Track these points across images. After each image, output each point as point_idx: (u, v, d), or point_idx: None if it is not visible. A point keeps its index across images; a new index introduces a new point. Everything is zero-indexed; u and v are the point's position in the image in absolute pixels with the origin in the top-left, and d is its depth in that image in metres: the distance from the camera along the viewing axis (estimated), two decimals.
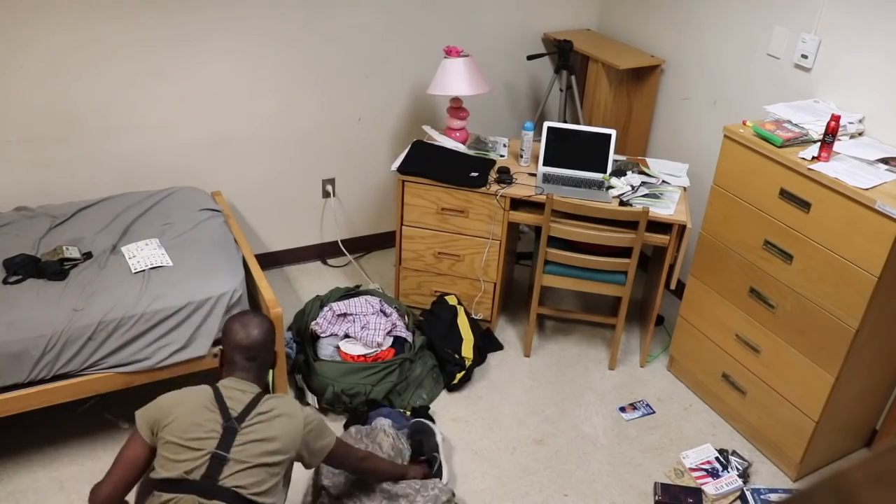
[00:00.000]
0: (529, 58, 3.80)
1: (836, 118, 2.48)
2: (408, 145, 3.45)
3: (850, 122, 2.69)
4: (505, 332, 3.54)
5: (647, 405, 3.16)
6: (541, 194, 3.08)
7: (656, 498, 2.70)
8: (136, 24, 3.05)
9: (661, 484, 2.74)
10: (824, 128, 2.52)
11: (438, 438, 2.74)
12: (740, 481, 2.76)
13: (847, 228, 2.41)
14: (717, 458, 2.85)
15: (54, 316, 2.47)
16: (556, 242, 3.11)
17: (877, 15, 2.65)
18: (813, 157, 2.54)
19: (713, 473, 2.78)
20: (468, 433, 2.95)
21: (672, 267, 3.13)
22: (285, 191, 3.72)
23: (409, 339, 3.12)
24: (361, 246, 4.08)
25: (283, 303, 3.52)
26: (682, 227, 3.01)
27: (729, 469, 2.80)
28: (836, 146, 2.59)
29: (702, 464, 2.82)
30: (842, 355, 2.51)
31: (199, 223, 3.01)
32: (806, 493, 0.58)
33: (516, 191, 3.12)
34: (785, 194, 2.59)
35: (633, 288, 3.17)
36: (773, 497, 2.73)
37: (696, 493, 2.71)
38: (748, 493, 2.74)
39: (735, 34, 3.25)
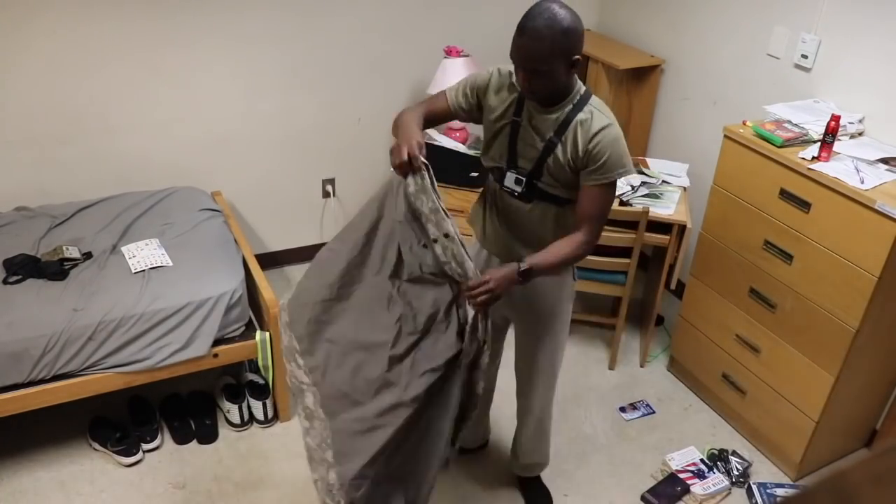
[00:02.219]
0: None
1: (836, 118, 2.48)
2: None
3: (850, 122, 2.69)
4: None
5: (647, 405, 3.16)
6: None
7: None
8: (136, 24, 3.05)
9: (650, 490, 2.74)
10: (824, 128, 2.52)
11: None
12: (727, 481, 2.76)
13: (847, 228, 2.41)
14: (701, 460, 2.85)
15: (54, 316, 2.47)
16: None
17: (877, 15, 2.65)
18: (813, 157, 2.54)
19: (699, 475, 2.78)
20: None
21: (672, 267, 3.13)
22: (285, 191, 3.72)
23: None
24: None
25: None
26: (682, 227, 3.01)
27: (715, 470, 2.81)
28: (836, 146, 2.59)
29: (687, 465, 2.82)
30: (842, 355, 2.51)
31: (199, 223, 3.01)
32: (806, 493, 0.58)
33: None
34: (785, 194, 2.59)
35: (633, 288, 3.17)
36: (780, 491, 2.73)
37: (682, 482, 2.73)
38: (754, 487, 2.74)
39: (735, 34, 3.25)
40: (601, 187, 1.95)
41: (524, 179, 2.04)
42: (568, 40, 1.84)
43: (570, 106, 1.96)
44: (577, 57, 1.88)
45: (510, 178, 2.06)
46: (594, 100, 1.98)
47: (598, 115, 1.94)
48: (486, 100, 2.06)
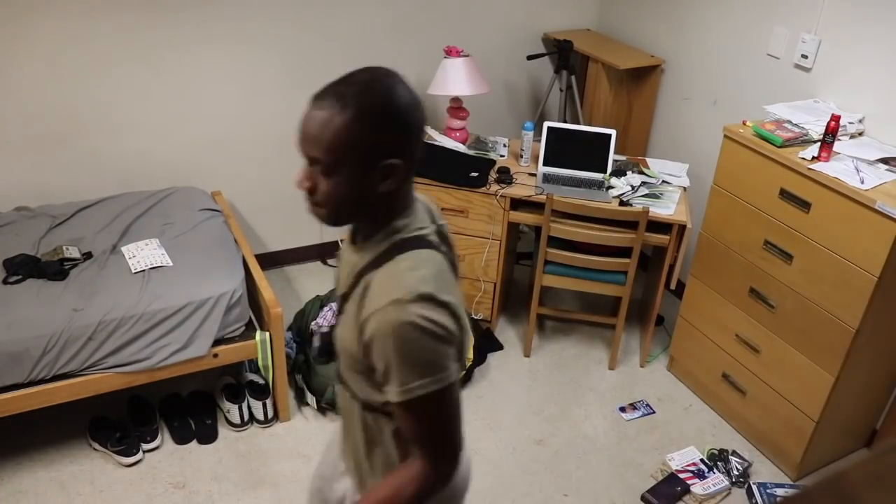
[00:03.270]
0: (529, 58, 3.80)
1: (835, 118, 2.48)
2: None
3: (850, 122, 2.69)
4: (505, 332, 3.54)
5: (647, 405, 3.16)
6: (541, 194, 3.08)
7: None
8: (136, 24, 3.05)
9: (650, 490, 2.74)
10: (824, 128, 2.52)
11: None
12: (727, 481, 2.76)
13: (847, 228, 2.41)
14: (701, 460, 2.85)
15: (54, 316, 2.47)
16: (556, 242, 3.11)
17: (877, 15, 2.65)
18: (813, 157, 2.54)
19: (699, 475, 2.78)
20: (468, 433, 2.95)
21: (672, 267, 3.13)
22: (285, 191, 3.72)
23: None
24: None
25: (283, 303, 3.52)
26: (682, 227, 3.01)
27: (715, 470, 2.81)
28: (837, 146, 2.59)
29: (687, 465, 2.82)
30: (842, 355, 2.51)
31: (199, 223, 3.01)
32: (806, 494, 0.58)
33: (516, 191, 3.12)
34: (785, 194, 2.59)
35: (633, 288, 3.17)
36: (780, 492, 2.73)
37: (682, 482, 2.74)
38: (754, 487, 2.74)
39: (735, 34, 3.25)
40: (397, 405, 1.22)
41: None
42: (370, 127, 1.16)
43: (374, 253, 1.26)
44: (388, 161, 1.19)
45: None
46: (412, 254, 1.22)
47: (391, 281, 1.20)
48: None
